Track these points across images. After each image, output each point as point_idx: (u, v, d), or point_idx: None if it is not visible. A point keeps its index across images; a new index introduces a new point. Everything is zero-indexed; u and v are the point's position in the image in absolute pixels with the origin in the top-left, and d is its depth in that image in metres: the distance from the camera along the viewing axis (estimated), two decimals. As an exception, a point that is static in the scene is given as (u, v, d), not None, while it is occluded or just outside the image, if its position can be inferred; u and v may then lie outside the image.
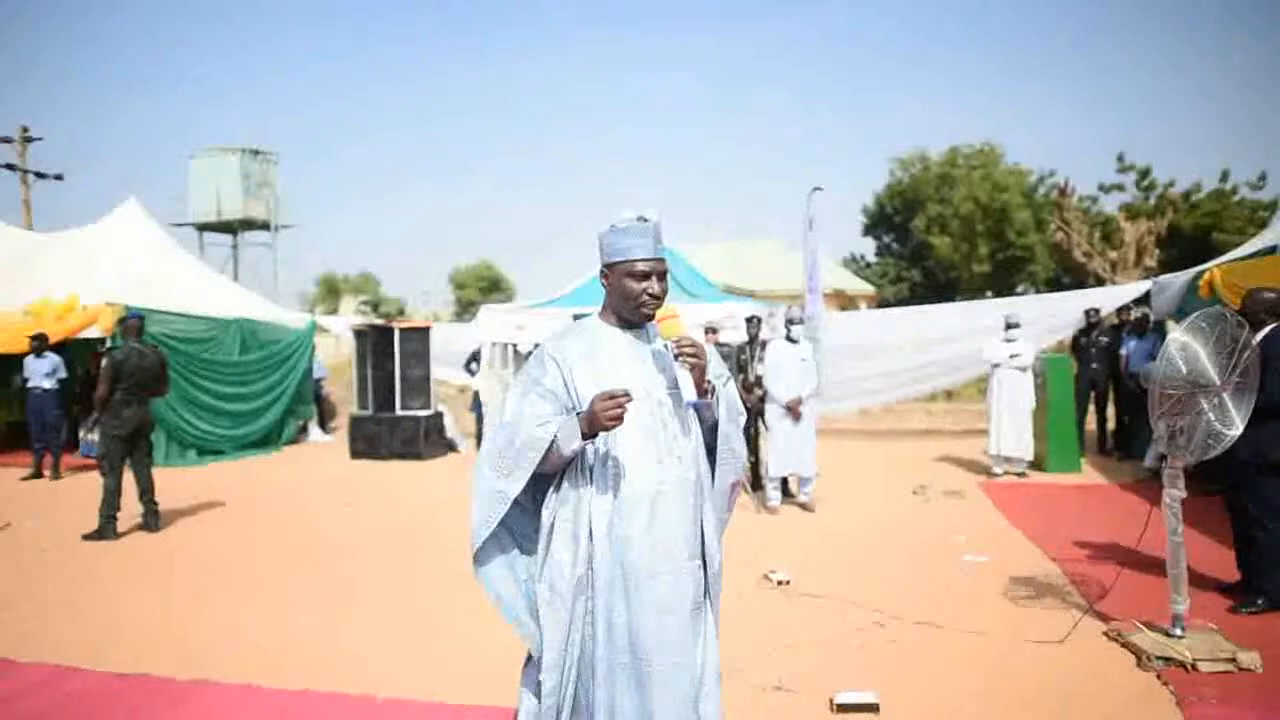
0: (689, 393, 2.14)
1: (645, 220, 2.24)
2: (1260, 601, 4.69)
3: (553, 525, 2.21)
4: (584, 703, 2.17)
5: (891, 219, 37.16)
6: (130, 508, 7.23)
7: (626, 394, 2.08)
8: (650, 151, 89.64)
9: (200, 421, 11.72)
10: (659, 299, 2.24)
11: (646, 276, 2.21)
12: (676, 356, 2.14)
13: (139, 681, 4.03)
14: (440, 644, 4.49)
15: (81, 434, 12.01)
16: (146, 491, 7.30)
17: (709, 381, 2.23)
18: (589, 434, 2.12)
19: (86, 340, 11.09)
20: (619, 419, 2.07)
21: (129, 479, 7.20)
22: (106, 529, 7.01)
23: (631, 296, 2.22)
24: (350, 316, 29.59)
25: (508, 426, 2.21)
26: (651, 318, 2.28)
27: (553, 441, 2.12)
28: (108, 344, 10.02)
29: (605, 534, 2.15)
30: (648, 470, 2.17)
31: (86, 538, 6.97)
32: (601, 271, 2.28)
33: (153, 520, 7.30)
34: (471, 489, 2.24)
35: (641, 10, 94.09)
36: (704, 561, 2.26)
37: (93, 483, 7.45)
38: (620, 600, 2.14)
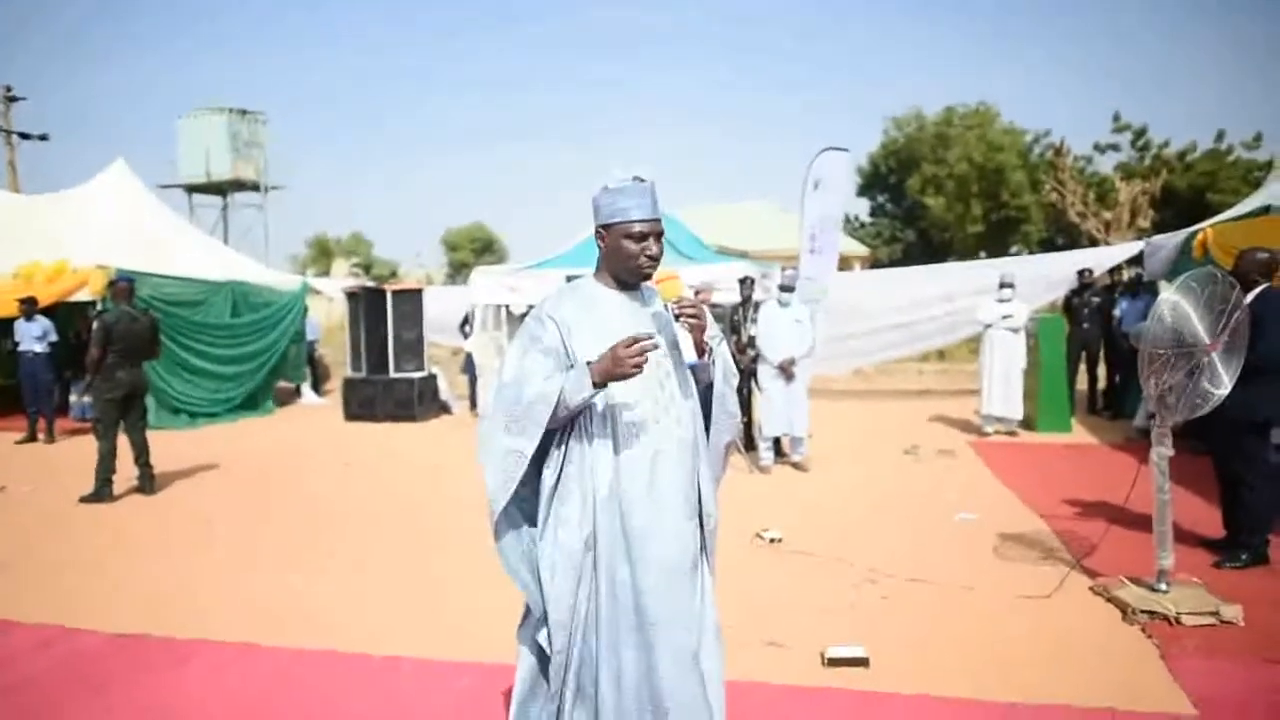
0: (689, 354, 2.14)
1: (642, 180, 2.21)
2: (1244, 557, 4.78)
3: (556, 485, 2.21)
4: (588, 658, 2.20)
5: (886, 179, 36.92)
6: (126, 470, 7.25)
7: (651, 338, 2.06)
8: (643, 113, 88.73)
9: (192, 384, 11.71)
10: (656, 260, 2.23)
11: (644, 238, 2.19)
12: (677, 317, 2.14)
13: (139, 641, 4.08)
14: (439, 601, 4.54)
15: (73, 397, 11.99)
16: (141, 454, 7.32)
17: (706, 342, 2.23)
18: (600, 384, 2.10)
19: (76, 303, 11.03)
20: (640, 366, 2.05)
21: (124, 442, 7.21)
22: (103, 491, 7.03)
23: (630, 257, 2.20)
24: (342, 279, 29.45)
25: (512, 385, 2.19)
26: (649, 278, 2.27)
27: (560, 394, 2.11)
28: (98, 307, 9.98)
29: (607, 493, 2.17)
30: (648, 430, 2.18)
31: (83, 500, 6.99)
32: (597, 232, 2.26)
33: (148, 483, 7.33)
34: (482, 453, 2.22)
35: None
36: (701, 520, 2.29)
37: (87, 446, 7.45)
38: (622, 558, 2.16)
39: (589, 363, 2.12)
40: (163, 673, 3.73)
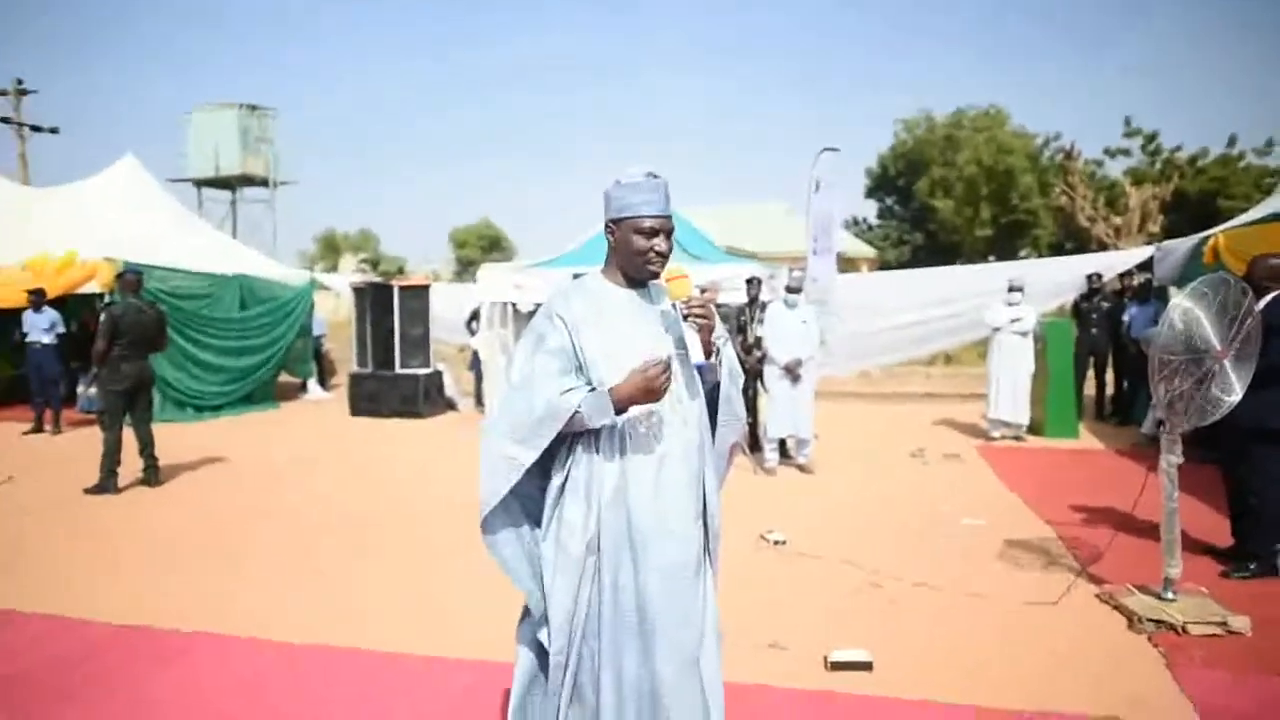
0: (697, 354, 2.12)
1: (655, 177, 2.20)
2: (1252, 567, 4.74)
3: (563, 486, 2.19)
4: (588, 660, 2.18)
5: (894, 181, 36.86)
6: (131, 463, 7.26)
7: (666, 363, 2.07)
8: (652, 113, 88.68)
9: (198, 379, 11.73)
10: (665, 257, 2.21)
11: (654, 234, 2.18)
12: (685, 317, 2.12)
13: (140, 633, 4.08)
14: (440, 598, 4.53)
15: (80, 389, 12.02)
16: (146, 447, 7.33)
17: (713, 343, 2.21)
18: (622, 410, 2.10)
19: (84, 295, 11.06)
20: (666, 391, 2.08)
21: (129, 434, 7.22)
22: (107, 483, 7.05)
23: (639, 253, 2.19)
24: (350, 274, 29.50)
25: (522, 391, 2.16)
26: (657, 275, 2.25)
27: (575, 413, 2.09)
28: (106, 299, 10.00)
29: (612, 496, 2.15)
30: (654, 432, 2.16)
31: (88, 491, 7.01)
32: (607, 227, 2.24)
33: (153, 475, 7.34)
34: (482, 452, 2.20)
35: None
36: (705, 523, 2.27)
37: (93, 437, 7.48)
38: (626, 561, 2.14)
39: (611, 389, 2.10)
40: (164, 665, 3.72)
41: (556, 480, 2.21)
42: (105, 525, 6.14)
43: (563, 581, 2.15)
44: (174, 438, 8.95)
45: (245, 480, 7.68)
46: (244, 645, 3.94)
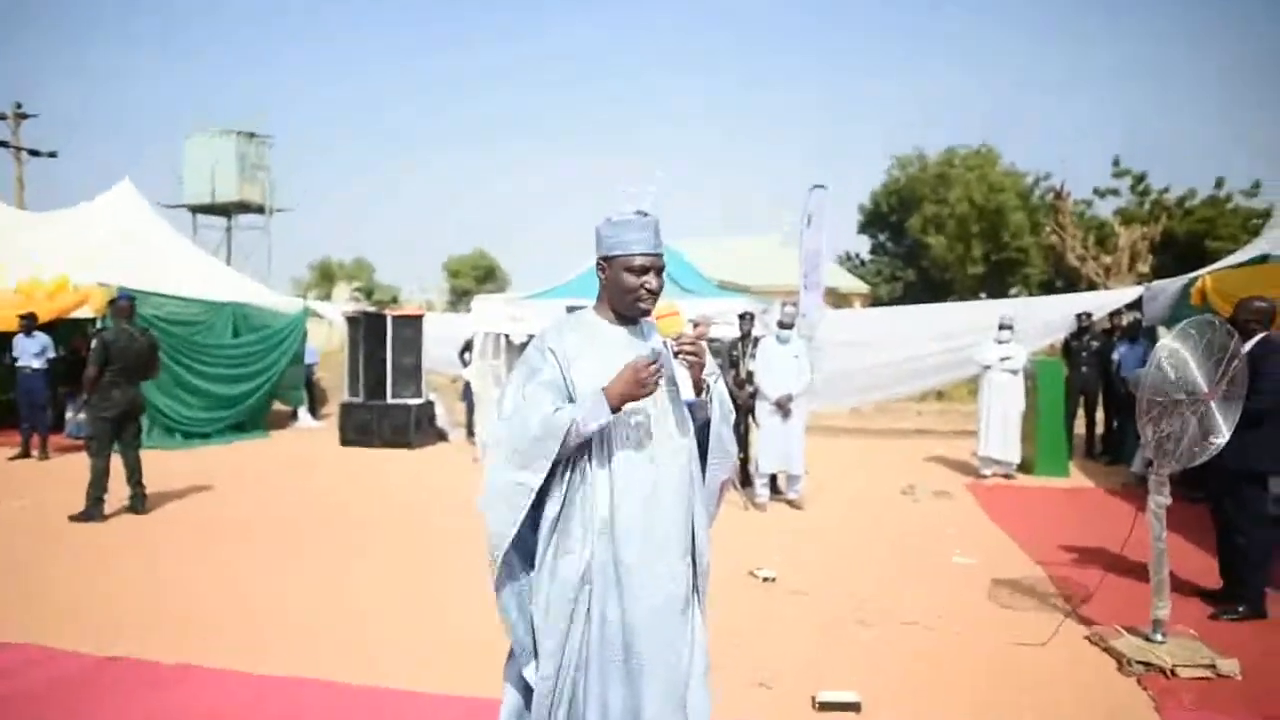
0: (687, 391, 2.14)
1: (644, 215, 2.23)
2: (1241, 609, 4.73)
3: (558, 517, 2.20)
4: (576, 696, 2.16)
5: (887, 218, 37.16)
6: (118, 490, 7.21)
7: (655, 358, 2.11)
8: (647, 145, 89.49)
9: (188, 405, 11.69)
10: (655, 294, 2.24)
11: (644, 271, 2.21)
12: (676, 354, 2.14)
13: (123, 665, 4.03)
14: (427, 632, 4.49)
15: (68, 415, 11.96)
16: (134, 474, 7.28)
17: (704, 380, 2.23)
18: (617, 408, 2.13)
19: (75, 320, 11.03)
20: (657, 384, 2.13)
21: (117, 461, 7.17)
22: (94, 510, 6.99)
23: (629, 290, 2.21)
24: (343, 303, 29.50)
25: (515, 419, 2.18)
26: (648, 313, 2.27)
27: (571, 425, 2.12)
28: (98, 325, 9.99)
29: (601, 530, 2.16)
30: (644, 467, 2.18)
31: (74, 519, 6.94)
32: (599, 264, 2.27)
33: (139, 503, 7.28)
34: (488, 492, 2.20)
35: (642, 3, 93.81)
36: (694, 559, 2.27)
37: (80, 463, 7.42)
38: (614, 596, 2.14)
39: (603, 389, 2.13)
40: (146, 698, 3.67)
41: (551, 511, 2.20)
42: (89, 553, 6.07)
43: (556, 612, 2.15)
44: (162, 464, 8.89)
45: (233, 509, 7.62)
46: (225, 679, 3.89)
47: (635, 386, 2.10)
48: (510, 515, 2.17)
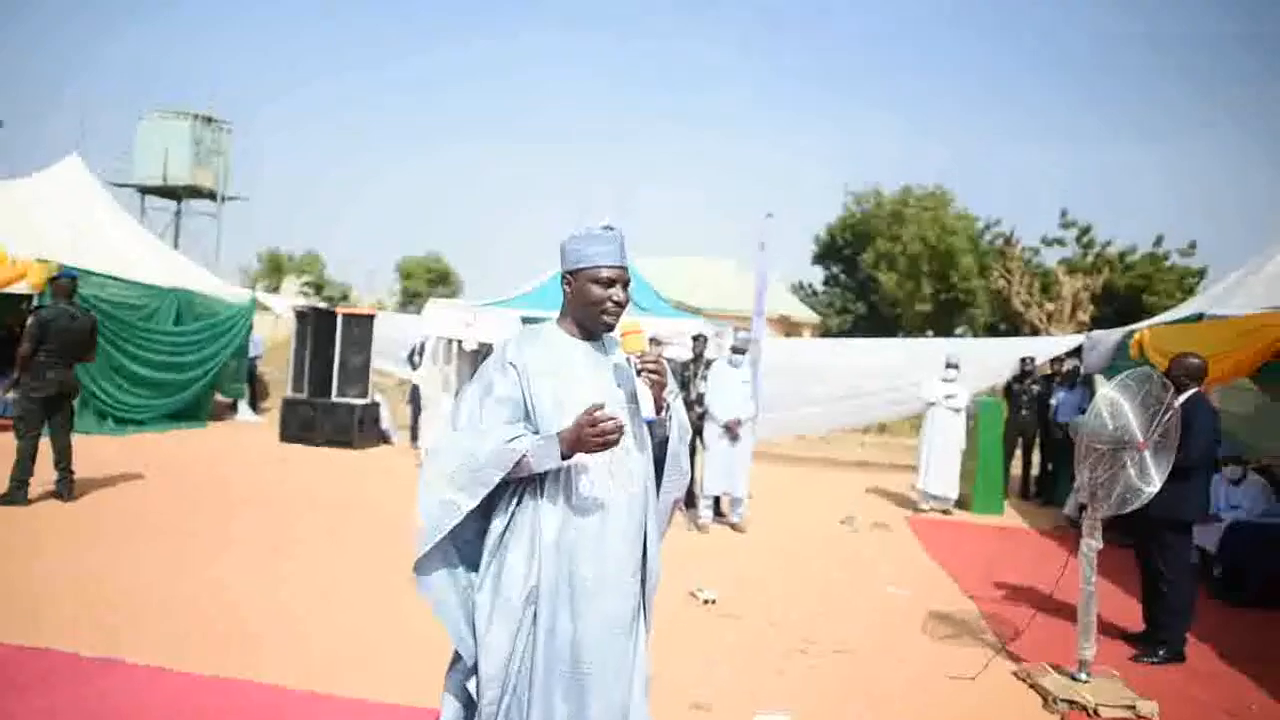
0: (648, 409, 2.15)
1: (611, 229, 2.25)
2: (1161, 653, 4.89)
3: (504, 533, 2.17)
4: (516, 709, 2.15)
5: (841, 251, 37.74)
6: (44, 474, 6.96)
7: (615, 420, 2.07)
8: (606, 165, 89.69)
9: (125, 391, 11.36)
10: (622, 306, 2.25)
11: (611, 284, 2.22)
12: (640, 371, 2.15)
13: (40, 655, 3.88)
14: (363, 635, 4.41)
15: (-2, 393, 11.52)
16: (63, 458, 7.04)
17: (664, 398, 2.24)
18: (569, 455, 2.11)
19: (10, 295, 10.65)
20: (608, 446, 2.08)
21: (45, 444, 6.93)
22: (17, 494, 6.73)
23: (595, 303, 2.22)
24: (292, 297, 28.97)
25: (465, 436, 2.16)
26: (612, 327, 2.28)
27: (521, 459, 2.09)
28: (35, 302, 9.66)
29: (554, 544, 2.15)
30: (600, 484, 2.17)
31: (-5, 501, 6.69)
32: (564, 278, 2.28)
33: (67, 488, 7.03)
34: (421, 497, 2.17)
35: (608, 16, 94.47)
36: (644, 576, 2.28)
37: (4, 444, 7.14)
38: (565, 611, 2.13)
39: (558, 434, 2.11)
40: (64, 691, 3.54)
41: (498, 525, 2.18)
42: (10, 538, 5.85)
43: (499, 629, 2.13)
44: (93, 449, 8.61)
45: (164, 498, 7.41)
46: (151, 676, 3.77)
47: (594, 445, 2.07)
48: (434, 528, 2.15)
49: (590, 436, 2.05)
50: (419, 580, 2.23)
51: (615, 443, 2.09)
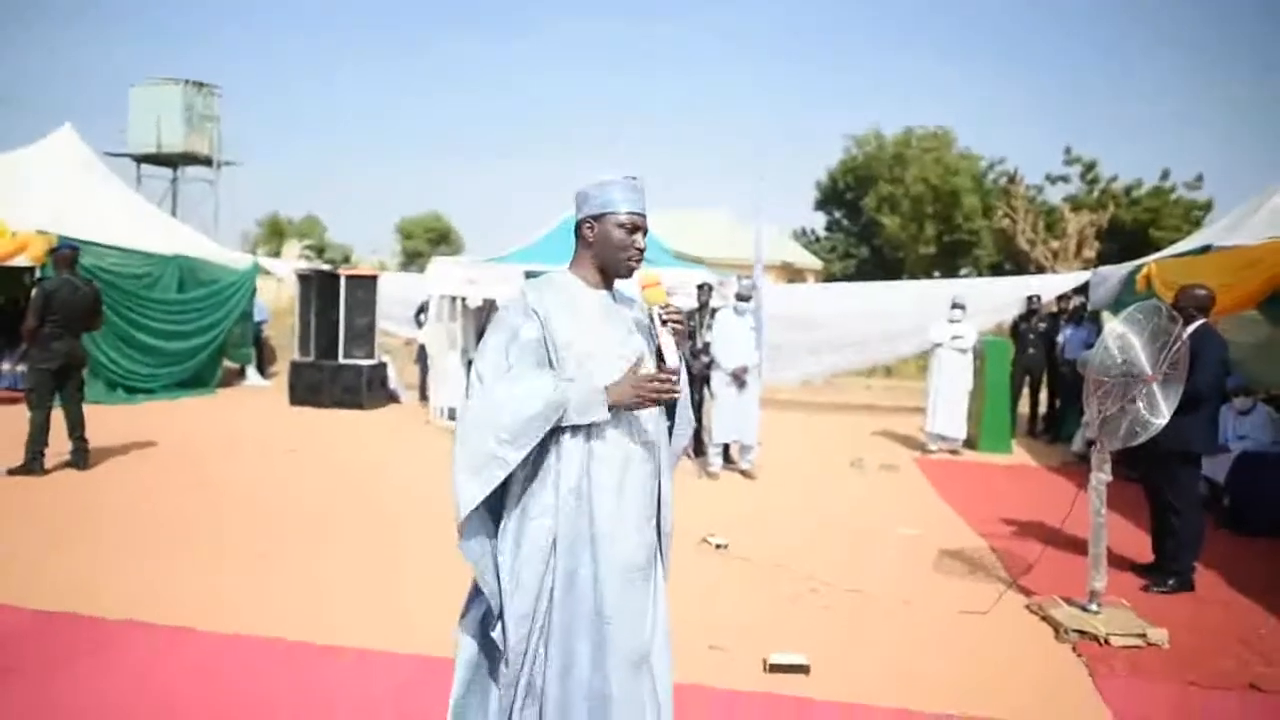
0: (671, 358, 2.15)
1: (634, 178, 2.26)
2: (1171, 582, 4.94)
3: (528, 478, 2.18)
4: (538, 653, 2.18)
5: (843, 195, 37.42)
6: (59, 444, 7.02)
7: (675, 374, 2.11)
8: (602, 116, 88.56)
9: (132, 359, 11.40)
10: (642, 253, 2.25)
11: (634, 229, 2.22)
12: (665, 322, 2.16)
13: (64, 620, 3.95)
14: (378, 590, 4.48)
15: (5, 366, 11.58)
16: (76, 428, 7.10)
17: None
18: (613, 409, 2.12)
19: (13, 268, 10.64)
20: (663, 401, 2.13)
21: (58, 414, 6.98)
22: (33, 464, 6.80)
23: (620, 246, 2.21)
24: (294, 260, 28.90)
25: (504, 387, 2.12)
26: (632, 272, 2.27)
27: (563, 412, 2.09)
28: (37, 274, 9.65)
29: (575, 491, 2.16)
30: (621, 431, 2.18)
31: (11, 472, 6.75)
32: (585, 223, 2.25)
33: (81, 458, 7.10)
34: (461, 453, 2.11)
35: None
36: (659, 523, 2.30)
37: (18, 416, 7.20)
38: (587, 557, 2.14)
39: (606, 387, 2.11)
40: (88, 655, 3.61)
41: (520, 473, 2.17)
42: (29, 508, 5.92)
43: (527, 574, 2.14)
44: (105, 419, 8.67)
45: (178, 466, 7.48)
46: (173, 636, 3.84)
47: (636, 395, 2.10)
48: (480, 485, 2.11)
49: (649, 392, 2.09)
50: (463, 544, 2.20)
51: (671, 398, 2.13)
